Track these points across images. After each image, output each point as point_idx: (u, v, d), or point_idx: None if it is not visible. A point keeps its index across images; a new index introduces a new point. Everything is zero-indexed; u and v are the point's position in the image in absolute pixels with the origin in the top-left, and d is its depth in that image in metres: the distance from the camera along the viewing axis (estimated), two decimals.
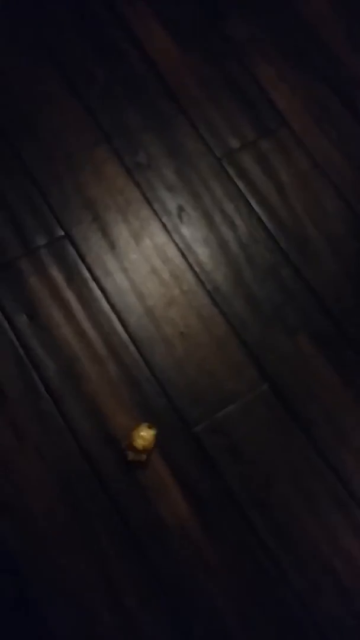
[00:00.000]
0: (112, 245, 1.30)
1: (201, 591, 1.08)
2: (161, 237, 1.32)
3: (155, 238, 1.32)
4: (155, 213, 1.34)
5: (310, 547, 1.11)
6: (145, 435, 1.12)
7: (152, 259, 1.30)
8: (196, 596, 1.07)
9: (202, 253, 1.31)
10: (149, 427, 1.13)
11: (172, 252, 1.31)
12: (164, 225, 1.33)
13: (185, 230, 1.33)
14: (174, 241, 1.32)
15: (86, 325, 1.23)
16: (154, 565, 1.08)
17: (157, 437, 1.15)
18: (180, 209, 1.34)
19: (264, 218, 1.34)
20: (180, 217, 1.34)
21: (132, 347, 1.22)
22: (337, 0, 1.53)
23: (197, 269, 1.30)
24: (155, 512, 1.11)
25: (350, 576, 1.09)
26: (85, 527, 1.09)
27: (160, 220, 1.33)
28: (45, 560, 1.06)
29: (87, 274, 1.27)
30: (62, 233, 1.29)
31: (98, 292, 1.26)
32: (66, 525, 1.09)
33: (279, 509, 1.13)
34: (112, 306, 1.25)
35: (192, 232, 1.33)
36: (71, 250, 1.29)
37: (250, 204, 1.35)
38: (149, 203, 1.34)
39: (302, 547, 1.11)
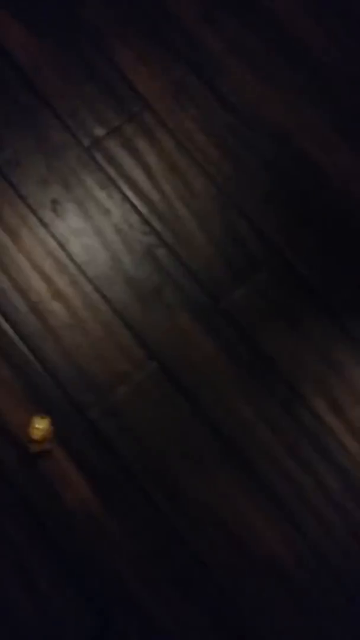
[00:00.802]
0: None
1: (108, 564, 1.16)
2: (39, 232, 1.34)
3: (32, 234, 1.33)
4: (30, 208, 1.35)
5: (204, 509, 1.20)
6: (39, 425, 1.17)
7: (31, 255, 1.32)
8: (104, 570, 1.15)
9: (80, 243, 1.34)
10: (42, 417, 1.17)
11: (51, 245, 1.33)
12: (40, 220, 1.34)
13: (61, 223, 1.35)
14: (50, 234, 1.34)
15: None
16: (61, 548, 1.14)
17: (55, 425, 1.19)
18: (54, 201, 1.36)
19: (135, 202, 1.37)
20: (55, 210, 1.35)
21: (20, 344, 1.25)
22: None
23: (76, 260, 1.33)
24: (59, 497, 1.17)
25: (239, 529, 1.19)
26: None
27: (35, 214, 1.35)
28: None
29: None
30: None
31: None
32: None
33: (172, 478, 1.21)
34: None
35: (68, 223, 1.35)
36: None
37: (121, 189, 1.38)
38: (22, 199, 1.35)
39: (196, 509, 1.20)
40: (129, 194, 1.38)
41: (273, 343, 1.31)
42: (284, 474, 1.23)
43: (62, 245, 1.33)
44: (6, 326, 1.26)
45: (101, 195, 1.37)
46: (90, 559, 1.15)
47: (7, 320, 1.26)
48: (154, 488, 1.20)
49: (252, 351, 1.30)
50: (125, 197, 1.37)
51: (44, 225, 1.34)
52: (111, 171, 1.39)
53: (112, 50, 1.46)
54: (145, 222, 1.36)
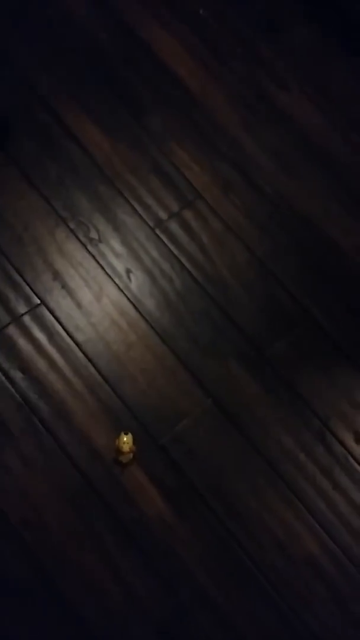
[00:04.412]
0: (79, 306, 1.53)
1: (180, 560, 1.33)
2: (116, 295, 1.56)
3: (111, 296, 1.56)
4: (109, 276, 1.58)
5: (254, 518, 1.38)
6: (126, 439, 1.36)
7: (111, 313, 1.54)
8: (176, 564, 1.32)
9: (149, 304, 1.56)
10: (126, 434, 1.36)
11: (125, 306, 1.55)
12: (117, 285, 1.57)
13: (134, 288, 1.57)
14: (126, 297, 1.56)
15: (67, 371, 1.46)
16: (143, 548, 1.32)
17: (134, 447, 1.38)
18: (128, 271, 1.59)
19: (193, 272, 1.60)
20: (129, 277, 1.58)
21: (105, 385, 1.46)
22: (231, 97, 1.80)
23: (147, 317, 1.55)
24: (139, 508, 1.35)
25: (284, 534, 1.37)
26: (88, 528, 1.32)
27: (113, 281, 1.57)
28: (63, 557, 1.29)
29: (62, 332, 1.50)
30: (38, 301, 1.52)
31: (73, 345, 1.49)
32: (74, 530, 1.31)
33: (228, 492, 1.39)
34: (85, 354, 1.48)
35: (139, 288, 1.57)
36: (47, 313, 1.51)
37: (181, 262, 1.61)
38: (103, 269, 1.58)
39: (248, 518, 1.37)
40: (188, 265, 1.61)
41: (307, 386, 1.52)
42: (318, 490, 1.42)
43: (134, 306, 1.55)
44: (93, 370, 1.47)
45: (165, 266, 1.60)
46: (166, 557, 1.33)
47: (93, 365, 1.47)
48: (215, 501, 1.38)
49: (291, 392, 1.51)
50: (185, 268, 1.60)
51: (120, 290, 1.56)
52: (173, 247, 1.62)
53: (171, 152, 1.72)
54: (201, 287, 1.59)
